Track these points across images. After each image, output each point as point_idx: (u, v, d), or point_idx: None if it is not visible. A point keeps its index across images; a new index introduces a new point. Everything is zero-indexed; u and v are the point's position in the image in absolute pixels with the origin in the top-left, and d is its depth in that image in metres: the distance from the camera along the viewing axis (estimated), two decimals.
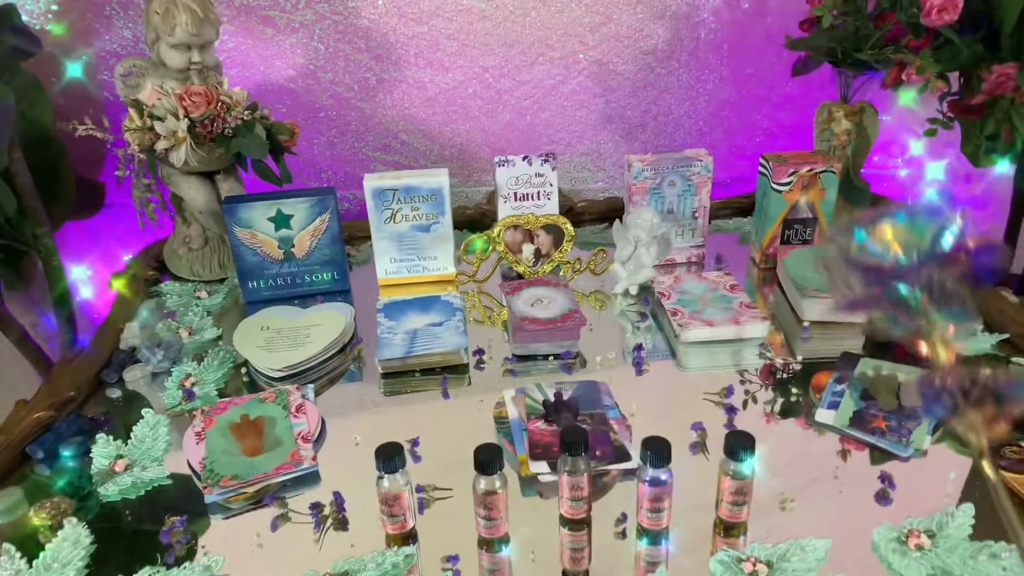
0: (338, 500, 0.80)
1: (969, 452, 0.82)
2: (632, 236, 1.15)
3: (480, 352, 1.05)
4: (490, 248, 1.22)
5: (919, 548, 0.71)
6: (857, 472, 0.82)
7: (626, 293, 1.17)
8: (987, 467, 0.47)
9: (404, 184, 1.17)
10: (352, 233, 1.36)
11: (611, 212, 1.39)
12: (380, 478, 0.73)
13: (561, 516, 0.76)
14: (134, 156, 1.17)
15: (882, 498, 0.78)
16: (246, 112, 1.15)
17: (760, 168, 1.21)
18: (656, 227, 1.15)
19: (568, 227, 1.21)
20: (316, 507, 0.80)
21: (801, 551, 0.71)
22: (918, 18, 1.11)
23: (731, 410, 0.91)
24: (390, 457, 0.72)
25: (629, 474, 0.82)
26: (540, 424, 0.89)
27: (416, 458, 0.87)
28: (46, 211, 1.30)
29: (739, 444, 0.71)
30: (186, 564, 0.74)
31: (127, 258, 1.35)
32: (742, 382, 0.97)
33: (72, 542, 0.76)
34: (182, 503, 0.82)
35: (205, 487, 0.82)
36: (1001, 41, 1.15)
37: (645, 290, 1.18)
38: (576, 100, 1.50)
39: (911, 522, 0.74)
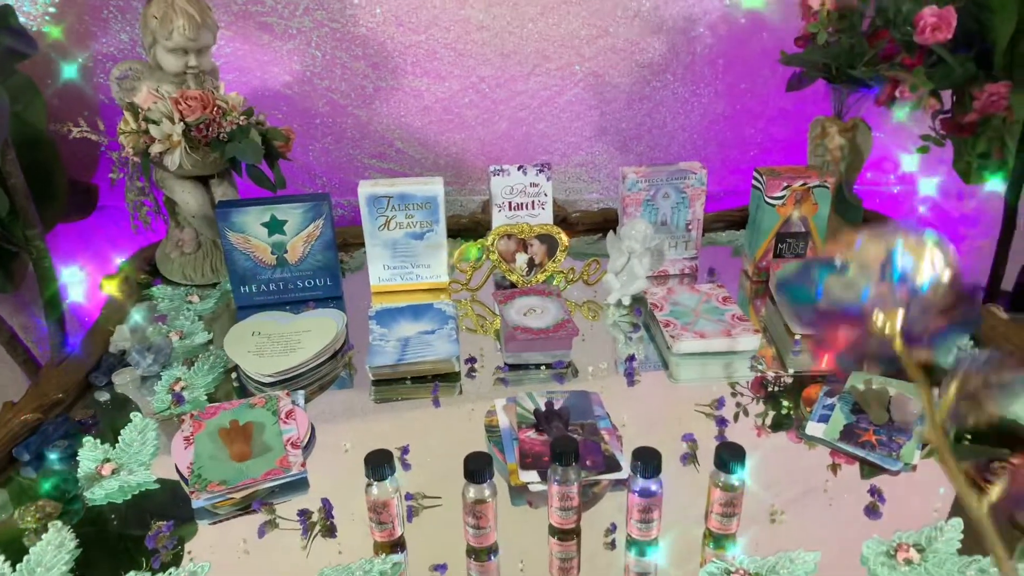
0: (326, 507, 0.80)
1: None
2: (626, 247, 1.15)
3: (472, 361, 1.05)
4: (484, 256, 1.22)
5: (908, 562, 0.71)
6: (847, 485, 0.82)
7: (619, 304, 1.18)
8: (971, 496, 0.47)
9: (399, 191, 1.17)
10: (346, 239, 1.36)
11: (605, 223, 1.39)
12: (369, 485, 0.73)
13: (550, 526, 0.76)
14: (128, 159, 1.16)
15: (871, 512, 0.78)
16: (241, 117, 1.15)
17: (754, 182, 1.22)
18: (649, 238, 1.15)
19: (562, 237, 1.21)
20: (304, 514, 0.79)
21: (790, 563, 0.71)
22: (912, 36, 1.12)
23: (722, 422, 0.91)
24: (379, 464, 0.72)
25: (619, 484, 0.82)
26: (531, 433, 0.89)
27: (406, 466, 0.86)
28: (38, 213, 1.29)
29: (729, 455, 0.71)
30: (172, 570, 0.73)
31: (119, 261, 1.34)
32: (733, 394, 0.97)
33: (56, 546, 0.75)
34: (169, 508, 0.81)
35: (192, 492, 0.81)
36: (993, 60, 1.16)
37: (638, 301, 1.18)
38: (572, 111, 1.51)
39: (900, 536, 0.74)
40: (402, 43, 1.43)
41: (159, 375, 1.02)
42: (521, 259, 1.22)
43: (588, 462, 0.84)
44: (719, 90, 1.51)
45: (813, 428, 0.89)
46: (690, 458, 0.86)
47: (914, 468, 0.84)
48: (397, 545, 0.76)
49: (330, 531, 0.78)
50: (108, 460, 0.87)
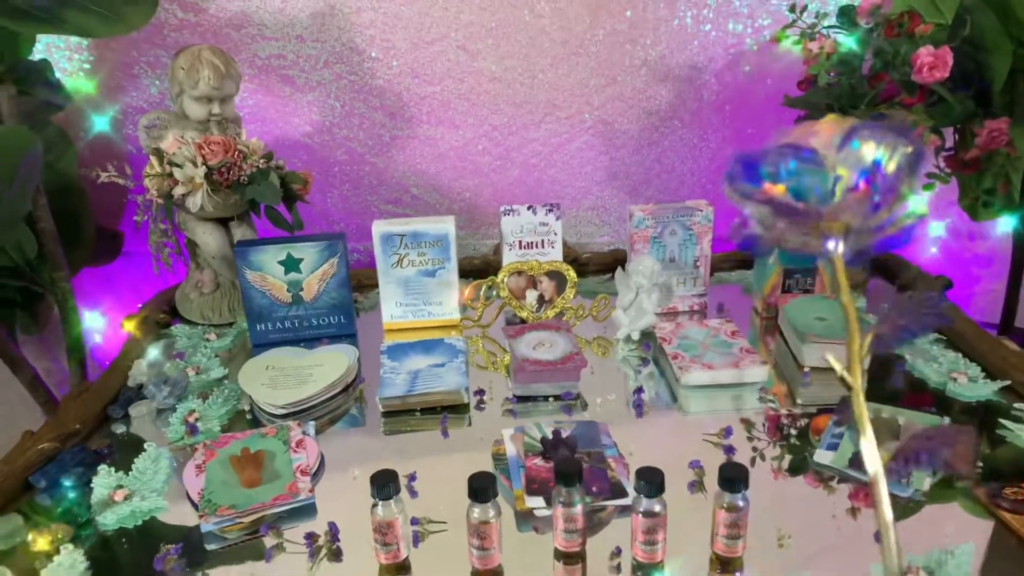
0: (333, 531, 0.80)
1: (969, 493, 0.82)
2: (634, 283, 1.17)
3: (481, 393, 1.06)
4: (494, 293, 1.24)
5: None
6: (856, 511, 0.81)
7: (628, 339, 1.19)
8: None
9: (411, 230, 1.20)
10: (360, 281, 1.39)
11: (615, 263, 1.40)
12: (374, 505, 0.73)
13: (556, 549, 0.76)
14: (152, 202, 1.21)
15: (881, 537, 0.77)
16: (261, 160, 1.20)
17: None
18: (657, 274, 1.16)
19: (571, 273, 1.23)
20: (311, 537, 0.80)
21: None
22: (910, 76, 1.15)
23: (730, 450, 0.91)
24: (385, 484, 0.73)
25: (625, 511, 0.82)
26: (537, 461, 0.89)
27: (413, 493, 0.87)
28: (65, 256, 1.34)
29: (732, 475, 0.71)
30: None
31: (140, 305, 1.38)
32: (749, 438, 0.95)
33: (67, 567, 0.76)
34: (179, 532, 0.82)
35: (202, 515, 0.82)
36: (992, 98, 1.18)
37: (647, 336, 1.19)
38: (582, 157, 1.55)
39: (910, 560, 0.72)
40: (418, 94, 1.48)
41: (174, 407, 1.04)
42: (531, 296, 1.24)
43: (594, 488, 0.84)
44: (726, 135, 1.55)
45: (822, 456, 0.89)
46: (697, 485, 0.86)
47: (925, 494, 0.83)
48: (402, 568, 0.76)
49: (336, 555, 0.78)
50: (121, 487, 0.88)
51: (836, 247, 0.44)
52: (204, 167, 1.17)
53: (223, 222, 1.27)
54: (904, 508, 0.81)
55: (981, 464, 0.87)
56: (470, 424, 1.01)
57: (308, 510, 0.85)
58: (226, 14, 1.40)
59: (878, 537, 0.76)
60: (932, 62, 1.12)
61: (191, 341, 1.23)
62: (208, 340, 1.23)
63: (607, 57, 1.47)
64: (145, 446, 0.95)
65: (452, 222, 1.21)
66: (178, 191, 1.18)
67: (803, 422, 0.97)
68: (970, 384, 1.01)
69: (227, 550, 0.80)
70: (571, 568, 0.75)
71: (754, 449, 0.93)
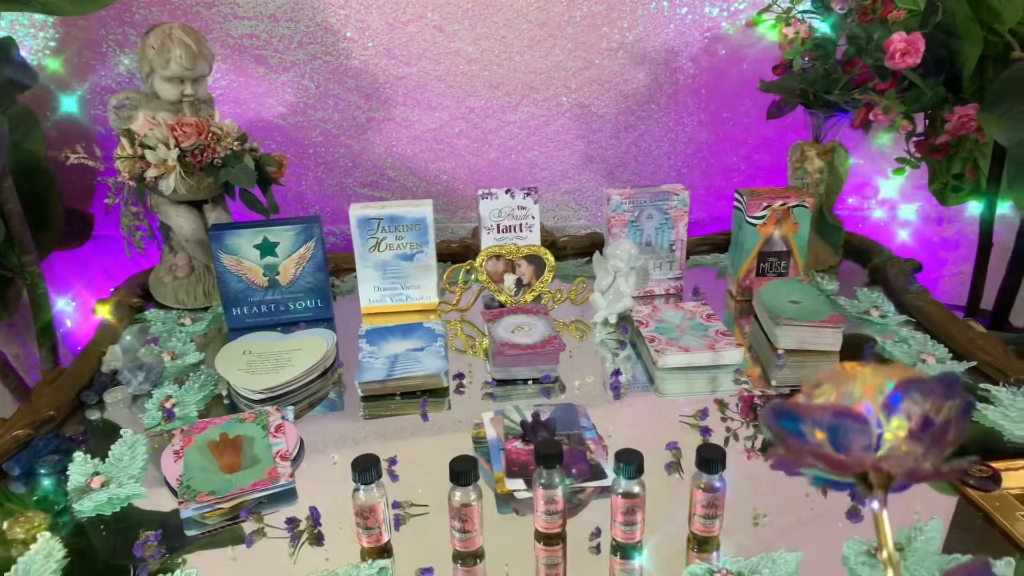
0: (314, 515, 0.80)
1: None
2: (611, 266, 1.18)
3: (460, 376, 1.07)
4: (473, 277, 1.24)
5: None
6: (828, 493, 0.83)
7: (605, 322, 1.19)
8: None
9: (389, 213, 1.19)
10: (337, 265, 1.39)
11: (592, 247, 1.42)
12: (356, 490, 0.74)
13: (536, 531, 0.77)
14: (124, 184, 1.19)
15: (853, 515, 0.79)
16: (235, 143, 1.19)
17: (735, 202, 1.25)
18: (634, 258, 1.17)
19: (549, 257, 1.24)
20: (292, 522, 0.80)
21: (772, 564, 0.72)
22: (883, 62, 1.16)
23: (706, 431, 0.93)
24: (366, 469, 0.73)
25: (604, 492, 0.83)
26: (517, 444, 0.90)
27: (393, 476, 0.87)
28: (34, 240, 1.31)
29: (709, 456, 0.72)
30: None
31: (113, 289, 1.36)
32: (723, 419, 0.97)
33: (45, 555, 0.76)
34: (157, 519, 0.82)
35: (181, 502, 0.82)
36: (962, 84, 1.20)
37: (624, 319, 1.20)
38: (559, 140, 1.55)
39: None
40: (394, 75, 1.47)
41: (150, 393, 1.03)
42: (509, 279, 1.24)
43: (573, 470, 0.85)
44: (702, 119, 1.56)
45: None
46: (674, 466, 0.87)
47: None
48: (384, 551, 0.76)
49: (317, 539, 0.79)
50: (97, 474, 0.87)
51: (878, 506, 0.43)
52: (177, 149, 1.15)
53: (197, 205, 1.25)
54: None
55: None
56: (450, 408, 1.01)
57: (288, 495, 0.85)
58: None
59: (851, 515, 0.79)
60: (904, 48, 1.13)
61: (166, 326, 1.21)
62: (183, 325, 1.22)
63: (584, 40, 1.47)
64: (121, 432, 0.94)
65: (430, 205, 1.21)
66: (150, 173, 1.16)
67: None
68: (938, 365, 1.04)
69: (207, 536, 0.80)
70: (551, 549, 0.76)
71: (727, 429, 0.94)
